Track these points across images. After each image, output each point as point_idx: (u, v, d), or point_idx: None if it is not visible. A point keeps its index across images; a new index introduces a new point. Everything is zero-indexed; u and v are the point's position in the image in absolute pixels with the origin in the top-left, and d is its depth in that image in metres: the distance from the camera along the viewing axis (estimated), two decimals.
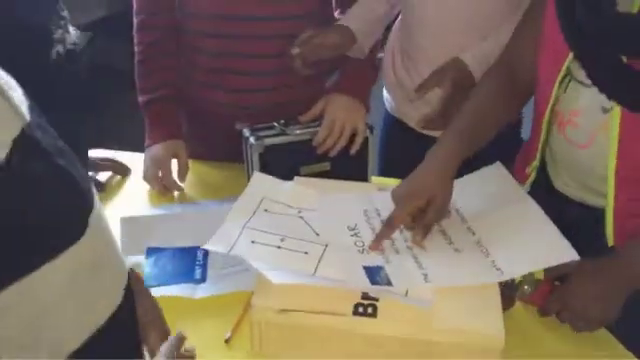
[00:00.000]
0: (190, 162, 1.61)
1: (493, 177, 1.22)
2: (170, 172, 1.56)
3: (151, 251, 1.32)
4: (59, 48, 1.18)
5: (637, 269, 1.08)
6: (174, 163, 1.58)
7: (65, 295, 0.65)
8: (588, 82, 1.15)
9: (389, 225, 1.10)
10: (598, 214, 1.22)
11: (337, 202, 1.15)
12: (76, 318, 0.68)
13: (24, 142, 0.61)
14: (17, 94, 0.67)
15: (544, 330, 1.08)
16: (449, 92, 1.42)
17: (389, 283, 0.96)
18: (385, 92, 1.76)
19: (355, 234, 1.08)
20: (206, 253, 1.33)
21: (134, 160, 1.63)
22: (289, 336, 0.93)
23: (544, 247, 1.02)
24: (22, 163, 0.61)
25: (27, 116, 0.65)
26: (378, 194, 1.16)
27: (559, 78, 1.19)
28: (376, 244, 1.06)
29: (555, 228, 1.05)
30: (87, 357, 0.69)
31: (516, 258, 1.01)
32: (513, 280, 1.05)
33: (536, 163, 1.29)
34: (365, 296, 0.93)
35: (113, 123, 1.98)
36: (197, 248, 1.35)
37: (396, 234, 1.08)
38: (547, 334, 1.08)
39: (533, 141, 1.31)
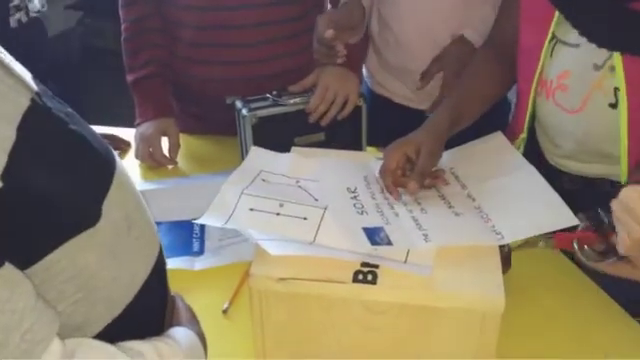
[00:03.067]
0: (183, 136, 1.60)
1: (493, 145, 1.21)
2: (160, 149, 1.55)
3: None
4: (20, 16, 1.16)
5: None
6: (165, 140, 1.57)
7: (106, 255, 0.67)
8: (576, 42, 1.14)
9: (382, 174, 1.12)
10: (593, 184, 1.21)
11: (337, 167, 1.15)
12: (123, 276, 0.70)
13: (36, 111, 0.61)
14: (18, 66, 0.66)
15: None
16: (455, 70, 1.42)
17: (389, 243, 0.96)
18: (365, 70, 1.75)
19: (354, 197, 1.07)
20: (203, 225, 1.33)
21: (129, 136, 1.63)
22: (289, 305, 0.93)
23: (544, 212, 1.02)
24: (37, 132, 0.61)
25: (34, 86, 0.64)
26: (377, 162, 1.16)
27: (546, 42, 1.18)
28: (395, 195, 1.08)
29: (555, 194, 1.04)
30: (136, 313, 0.72)
31: (516, 223, 1.00)
32: (510, 248, 1.05)
33: (524, 135, 1.28)
34: (365, 264, 0.92)
35: (106, 101, 1.98)
36: (193, 221, 1.35)
37: (394, 200, 1.07)
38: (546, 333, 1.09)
39: (519, 114, 1.30)
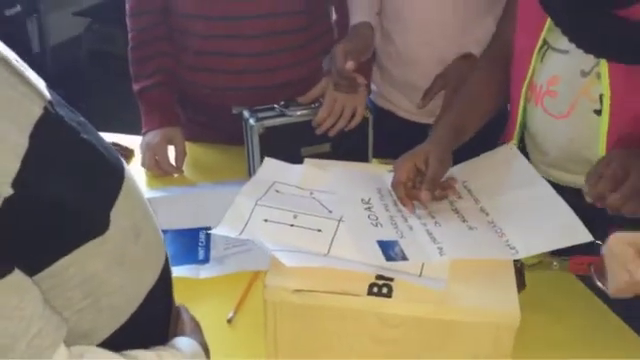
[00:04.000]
0: (189, 145, 1.60)
1: (505, 158, 1.21)
2: (167, 157, 1.55)
3: None
4: None
5: None
6: (171, 149, 1.57)
7: (113, 263, 0.68)
8: (565, 48, 1.16)
9: (394, 187, 1.13)
10: (580, 195, 1.22)
11: (351, 179, 1.15)
12: (129, 284, 0.70)
13: (49, 119, 0.61)
14: (32, 74, 0.66)
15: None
16: (455, 88, 1.43)
17: (404, 258, 0.96)
18: (372, 85, 1.75)
19: (369, 208, 1.07)
20: (209, 234, 1.33)
21: (135, 144, 1.63)
22: (303, 316, 0.92)
23: (558, 228, 1.02)
24: (49, 140, 0.61)
25: (47, 94, 0.64)
26: (390, 175, 1.16)
27: (537, 48, 1.19)
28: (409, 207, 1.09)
29: (569, 209, 1.04)
30: (141, 321, 0.72)
31: (530, 239, 1.00)
32: (522, 263, 1.05)
33: (514, 142, 1.29)
34: (380, 276, 0.92)
35: (111, 108, 1.98)
36: (199, 229, 1.35)
37: (408, 213, 1.08)
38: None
39: (511, 121, 1.31)
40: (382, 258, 0.96)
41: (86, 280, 0.65)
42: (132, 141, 1.64)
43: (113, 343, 0.69)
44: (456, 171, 1.20)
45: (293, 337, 0.94)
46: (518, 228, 1.03)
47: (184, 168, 1.58)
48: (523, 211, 1.07)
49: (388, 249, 0.97)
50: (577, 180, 1.23)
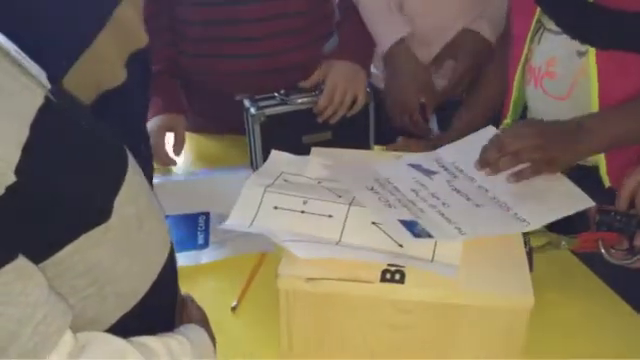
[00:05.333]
0: (191, 136, 1.59)
1: (487, 137, 1.19)
2: (163, 146, 1.54)
3: None
4: None
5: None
6: (170, 137, 1.56)
7: (118, 251, 0.68)
8: (558, 30, 1.16)
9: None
10: (581, 170, 1.23)
11: (352, 170, 1.14)
12: (133, 272, 0.70)
13: (50, 109, 0.62)
14: (33, 65, 0.66)
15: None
16: (468, 64, 1.44)
17: (430, 236, 0.95)
18: (373, 68, 1.75)
19: (376, 192, 1.07)
20: (207, 218, 1.34)
21: None
22: (316, 304, 0.92)
23: (559, 197, 1.03)
24: (50, 130, 0.61)
25: (48, 84, 0.65)
26: (387, 165, 1.16)
27: (531, 31, 1.20)
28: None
29: (563, 177, 1.06)
30: (147, 309, 0.72)
31: (536, 209, 1.01)
32: (531, 247, 1.05)
33: (507, 121, 1.30)
34: (392, 263, 0.92)
35: None
36: (198, 214, 1.35)
37: (414, 196, 1.07)
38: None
39: (506, 101, 1.32)
40: (409, 234, 0.95)
41: (90, 268, 0.66)
42: None
43: (120, 330, 0.69)
44: (443, 153, 1.20)
45: (307, 325, 0.94)
46: (521, 201, 1.03)
47: (186, 158, 1.57)
48: (520, 185, 1.08)
49: (412, 227, 0.96)
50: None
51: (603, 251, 1.02)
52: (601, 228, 1.04)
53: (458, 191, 1.09)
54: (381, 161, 1.19)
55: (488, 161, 1.09)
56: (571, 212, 1.01)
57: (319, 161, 1.13)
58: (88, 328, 0.66)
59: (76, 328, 0.63)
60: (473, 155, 1.16)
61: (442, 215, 1.01)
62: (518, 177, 1.08)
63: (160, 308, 0.80)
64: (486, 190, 1.09)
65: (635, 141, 1.13)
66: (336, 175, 1.10)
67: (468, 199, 1.06)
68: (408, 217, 1.00)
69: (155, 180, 1.47)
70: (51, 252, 0.62)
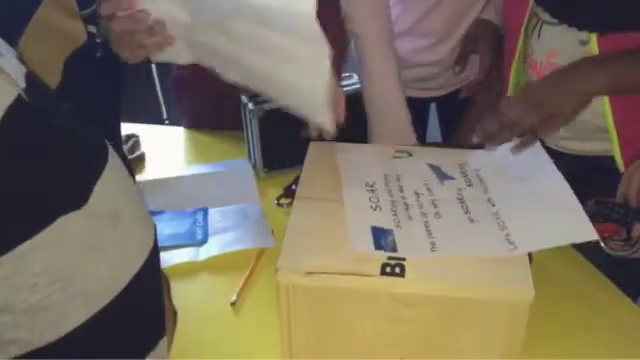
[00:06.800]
0: (190, 133, 1.60)
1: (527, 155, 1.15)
2: None
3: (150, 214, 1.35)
4: None
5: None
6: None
7: (86, 248, 0.66)
8: (555, 20, 1.16)
9: None
10: (594, 162, 1.22)
11: (357, 162, 1.14)
12: (104, 271, 0.68)
13: (20, 108, 0.61)
14: (9, 61, 0.66)
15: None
16: (491, 53, 1.43)
17: (394, 249, 0.94)
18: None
19: (372, 190, 1.07)
20: (205, 214, 1.34)
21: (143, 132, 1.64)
22: (316, 298, 0.92)
23: (563, 224, 0.98)
24: (17, 131, 0.61)
25: (22, 83, 0.64)
26: (398, 160, 1.15)
27: (524, 23, 1.19)
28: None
29: (577, 204, 0.99)
30: (119, 312, 0.70)
31: (532, 233, 0.97)
32: None
33: None
34: (392, 256, 0.92)
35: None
36: (197, 210, 1.35)
37: (412, 200, 1.06)
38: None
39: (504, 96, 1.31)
40: (371, 246, 0.94)
41: (52, 265, 0.64)
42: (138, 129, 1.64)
43: (85, 332, 0.67)
44: (471, 158, 1.16)
45: (307, 320, 0.94)
46: (522, 221, 0.99)
47: (185, 154, 1.58)
48: (530, 203, 1.03)
49: (380, 237, 0.96)
50: (586, 147, 1.24)
51: (602, 243, 1.02)
52: (598, 219, 1.03)
53: (462, 201, 1.06)
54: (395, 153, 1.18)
55: (488, 132, 1.08)
56: (568, 242, 0.99)
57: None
58: (52, 329, 0.65)
59: (40, 328, 0.63)
60: (501, 165, 1.13)
61: (426, 227, 0.99)
62: (521, 147, 1.08)
63: (135, 314, 0.78)
64: (493, 204, 1.04)
65: (636, 84, 1.10)
66: (342, 169, 1.10)
67: (467, 212, 1.03)
68: (386, 225, 0.99)
69: (153, 177, 1.48)
70: (8, 248, 0.61)
